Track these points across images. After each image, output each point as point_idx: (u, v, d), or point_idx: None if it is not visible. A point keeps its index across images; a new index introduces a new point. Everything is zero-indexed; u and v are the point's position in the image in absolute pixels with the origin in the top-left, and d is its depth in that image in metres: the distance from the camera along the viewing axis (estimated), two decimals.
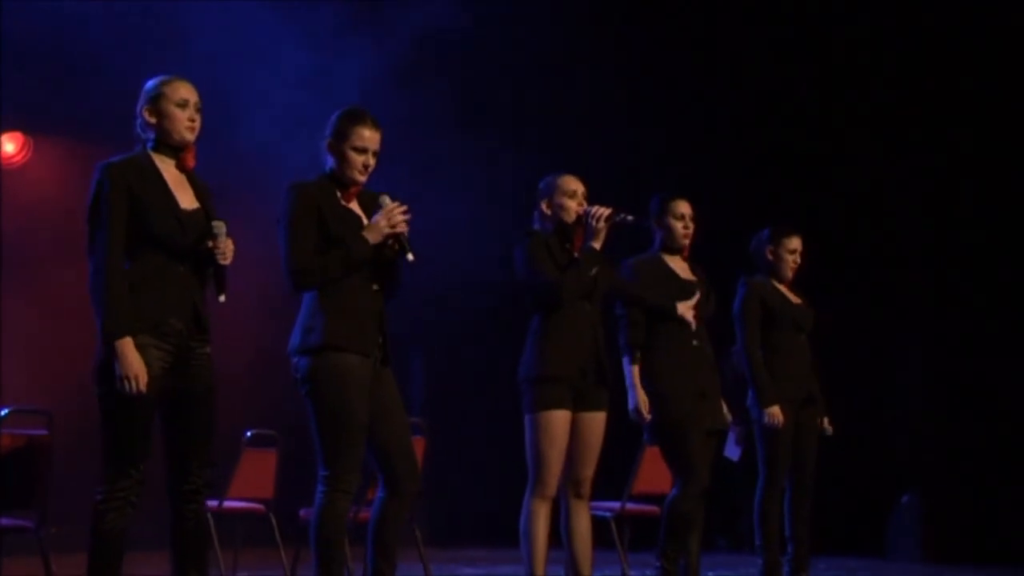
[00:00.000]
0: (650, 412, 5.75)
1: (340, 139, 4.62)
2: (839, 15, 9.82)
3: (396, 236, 4.59)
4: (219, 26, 8.79)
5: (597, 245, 5.26)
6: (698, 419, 5.77)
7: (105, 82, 8.51)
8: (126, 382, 4.06)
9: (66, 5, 8.43)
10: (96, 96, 8.59)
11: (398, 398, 4.66)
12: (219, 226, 4.29)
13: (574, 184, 5.42)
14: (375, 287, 4.62)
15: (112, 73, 8.42)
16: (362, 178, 4.63)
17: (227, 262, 4.30)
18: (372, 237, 4.55)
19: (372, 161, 4.63)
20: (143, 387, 4.07)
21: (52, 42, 8.53)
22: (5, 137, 9.22)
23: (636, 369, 5.77)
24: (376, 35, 9.37)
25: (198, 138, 4.35)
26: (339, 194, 4.63)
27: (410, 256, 4.59)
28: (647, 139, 10.07)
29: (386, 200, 4.64)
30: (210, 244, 4.26)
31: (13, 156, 9.26)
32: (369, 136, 4.61)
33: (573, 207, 5.38)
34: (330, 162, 4.66)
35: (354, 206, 4.66)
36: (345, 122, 4.63)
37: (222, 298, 4.28)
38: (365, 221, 4.61)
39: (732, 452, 7.46)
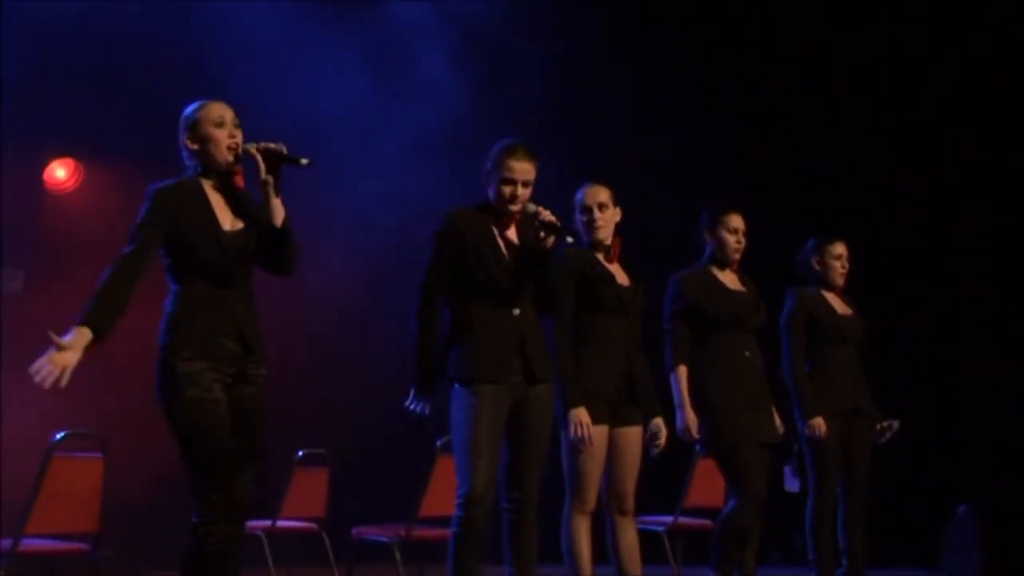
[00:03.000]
0: (701, 426, 5.73)
1: (494, 170, 4.89)
2: (885, 18, 9.79)
3: (547, 225, 4.78)
4: (275, 47, 8.85)
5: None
6: (751, 432, 5.74)
7: (157, 107, 8.55)
8: (50, 361, 3.88)
9: (119, 30, 8.52)
10: (147, 121, 8.65)
11: (541, 417, 4.87)
12: (247, 148, 4.30)
13: (590, 198, 5.46)
14: (516, 312, 4.82)
15: (164, 98, 8.47)
16: (513, 207, 4.86)
17: (274, 145, 4.28)
18: None
19: (521, 191, 4.86)
20: (58, 368, 3.88)
21: (104, 67, 8.61)
22: (56, 163, 9.31)
23: (684, 386, 5.72)
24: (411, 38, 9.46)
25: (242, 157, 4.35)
26: (494, 223, 4.89)
27: (570, 239, 4.84)
28: (691, 147, 10.03)
29: (530, 208, 4.85)
30: (255, 150, 4.26)
31: (64, 181, 9.34)
32: (518, 167, 4.86)
33: (584, 220, 5.46)
34: (490, 192, 4.93)
35: (510, 234, 4.91)
36: (500, 154, 4.90)
37: (304, 161, 4.27)
38: (504, 250, 4.85)
39: (792, 484, 7.43)
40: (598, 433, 5.24)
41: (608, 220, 5.44)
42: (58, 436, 5.65)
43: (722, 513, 5.80)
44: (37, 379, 3.88)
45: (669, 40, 10.02)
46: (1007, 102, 9.56)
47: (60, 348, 3.90)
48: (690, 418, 5.68)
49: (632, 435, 5.38)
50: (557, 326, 5.23)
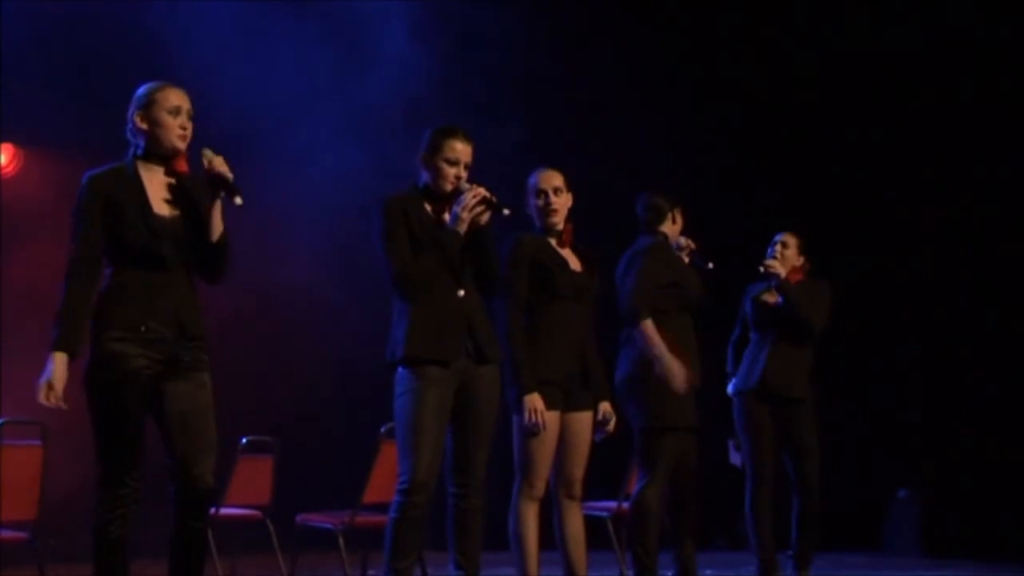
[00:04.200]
0: (636, 405, 5.76)
1: (433, 152, 4.85)
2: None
3: (483, 201, 4.76)
4: (230, 24, 8.75)
5: (461, 229, 4.80)
6: (687, 417, 5.81)
7: (97, 92, 8.48)
8: (41, 390, 4.09)
9: (59, 13, 8.42)
10: (88, 106, 8.57)
11: (487, 398, 4.85)
12: (205, 153, 4.31)
13: (545, 182, 5.45)
14: (460, 292, 4.80)
15: (104, 83, 8.39)
16: (449, 191, 4.83)
17: (224, 171, 4.28)
18: (459, 228, 4.74)
19: (464, 173, 4.84)
20: (54, 400, 4.09)
21: (44, 52, 8.51)
22: None
23: (656, 335, 5.66)
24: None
25: (189, 144, 4.34)
26: (429, 208, 4.85)
27: (506, 211, 4.79)
28: (654, 125, 10.04)
29: (464, 186, 4.81)
30: (206, 165, 4.27)
31: (5, 167, 9.25)
32: (461, 149, 4.85)
33: (539, 204, 5.44)
34: (424, 176, 4.90)
35: (447, 217, 4.84)
36: (438, 136, 4.87)
37: (238, 200, 4.25)
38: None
39: (735, 459, 7.54)
40: (551, 418, 5.25)
41: (562, 205, 5.45)
42: None
43: (633, 493, 5.85)
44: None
45: (640, 14, 10.01)
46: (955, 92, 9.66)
47: (48, 387, 4.08)
48: (671, 360, 5.64)
49: (584, 420, 5.41)
50: (510, 311, 5.24)
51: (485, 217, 4.78)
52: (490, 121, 9.11)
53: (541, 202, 5.43)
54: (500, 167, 8.43)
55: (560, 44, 9.91)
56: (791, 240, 6.71)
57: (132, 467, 4.18)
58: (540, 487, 5.30)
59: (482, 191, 4.78)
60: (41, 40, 8.44)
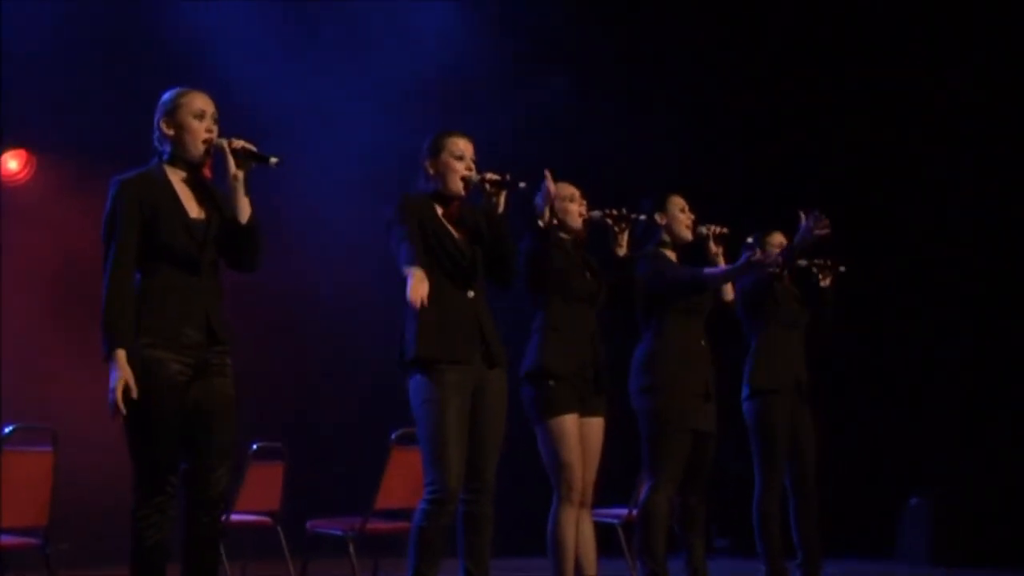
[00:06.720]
0: (645, 404, 5.76)
1: (437, 154, 4.85)
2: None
3: (497, 183, 4.76)
4: (230, 41, 8.76)
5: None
6: (691, 420, 5.78)
7: (110, 99, 8.50)
8: (111, 393, 4.07)
9: (71, 22, 8.44)
10: (101, 113, 8.59)
11: (498, 404, 4.84)
12: (220, 141, 4.30)
13: (566, 190, 5.49)
14: (470, 294, 4.80)
15: (116, 90, 8.42)
16: (461, 188, 4.82)
17: (247, 144, 4.29)
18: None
19: (472, 167, 4.83)
20: (121, 400, 4.06)
21: (56, 58, 8.53)
22: (8, 154, 9.22)
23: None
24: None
25: (212, 150, 4.34)
26: (440, 210, 4.84)
27: (522, 185, 4.79)
28: (651, 137, 10.04)
29: (474, 177, 4.80)
30: (227, 146, 4.26)
31: (17, 173, 9.26)
32: (464, 144, 4.87)
33: (575, 211, 5.47)
34: (431, 184, 4.87)
35: (452, 227, 4.84)
36: (440, 138, 4.88)
37: (274, 160, 4.28)
38: (455, 232, 4.82)
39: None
40: (571, 421, 5.28)
41: (581, 210, 5.49)
42: (7, 430, 5.59)
43: (640, 500, 5.85)
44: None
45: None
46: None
47: (124, 389, 4.06)
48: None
49: (596, 425, 5.43)
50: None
51: (502, 199, 4.78)
52: (531, 90, 9.16)
53: (567, 206, 5.45)
54: (545, 129, 8.36)
55: (606, 15, 9.92)
56: (784, 239, 6.72)
57: (169, 473, 4.19)
58: (579, 488, 5.31)
59: (491, 175, 4.78)
60: (56, 46, 8.46)
